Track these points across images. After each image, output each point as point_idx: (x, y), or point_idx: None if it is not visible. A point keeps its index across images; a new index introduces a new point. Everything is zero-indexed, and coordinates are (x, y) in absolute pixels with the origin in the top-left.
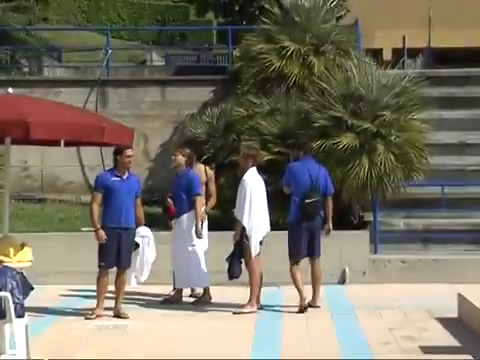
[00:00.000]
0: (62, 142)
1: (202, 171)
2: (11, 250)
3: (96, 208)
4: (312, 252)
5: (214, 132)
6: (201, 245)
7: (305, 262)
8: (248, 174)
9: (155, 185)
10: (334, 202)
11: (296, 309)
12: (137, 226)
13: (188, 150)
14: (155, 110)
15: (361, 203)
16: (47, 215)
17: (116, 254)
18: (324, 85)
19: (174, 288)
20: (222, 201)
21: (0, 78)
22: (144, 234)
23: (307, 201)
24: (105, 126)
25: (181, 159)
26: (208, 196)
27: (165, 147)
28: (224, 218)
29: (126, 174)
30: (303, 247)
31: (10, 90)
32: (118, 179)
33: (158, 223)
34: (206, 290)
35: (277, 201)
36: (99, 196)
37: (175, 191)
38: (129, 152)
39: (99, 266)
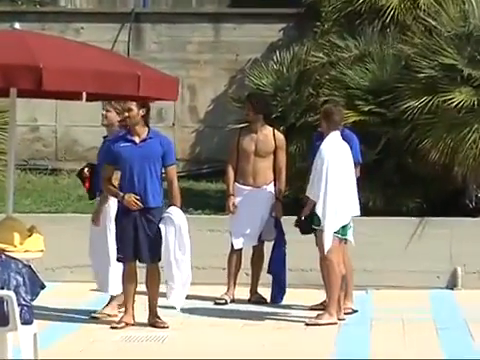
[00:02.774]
0: (84, 95)
1: (269, 135)
2: (16, 236)
3: (107, 183)
4: None
5: (284, 84)
6: None
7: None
8: (327, 141)
9: (204, 153)
10: (444, 179)
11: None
12: (169, 205)
13: (125, 105)
14: (205, 54)
15: (479, 181)
16: (62, 191)
17: (134, 243)
18: (432, 22)
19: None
20: (293, 176)
21: (3, 9)
22: (171, 218)
23: None
24: (140, 74)
25: (113, 117)
26: (276, 169)
27: (218, 103)
28: (295, 198)
29: (143, 136)
30: None
31: (16, 25)
32: (129, 144)
33: (211, 204)
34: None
35: (367, 177)
36: (108, 169)
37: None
38: (127, 105)
39: (117, 259)
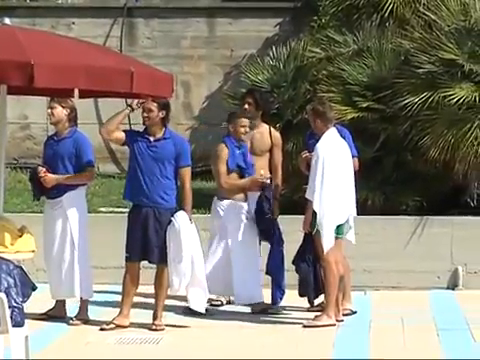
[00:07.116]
0: (76, 92)
1: (265, 133)
2: (6, 236)
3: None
4: None
5: (280, 80)
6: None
7: None
8: (323, 140)
9: (199, 150)
10: (444, 177)
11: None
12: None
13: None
14: (200, 49)
15: None
16: None
17: (142, 242)
18: (432, 16)
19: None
20: (289, 174)
21: None
22: (173, 223)
23: None
24: (133, 70)
25: (60, 112)
26: (272, 167)
27: (213, 100)
28: (293, 197)
29: (158, 135)
30: None
31: (6, 20)
32: (144, 140)
33: (205, 203)
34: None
35: (365, 175)
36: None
37: (52, 158)
38: (148, 106)
39: (125, 258)
